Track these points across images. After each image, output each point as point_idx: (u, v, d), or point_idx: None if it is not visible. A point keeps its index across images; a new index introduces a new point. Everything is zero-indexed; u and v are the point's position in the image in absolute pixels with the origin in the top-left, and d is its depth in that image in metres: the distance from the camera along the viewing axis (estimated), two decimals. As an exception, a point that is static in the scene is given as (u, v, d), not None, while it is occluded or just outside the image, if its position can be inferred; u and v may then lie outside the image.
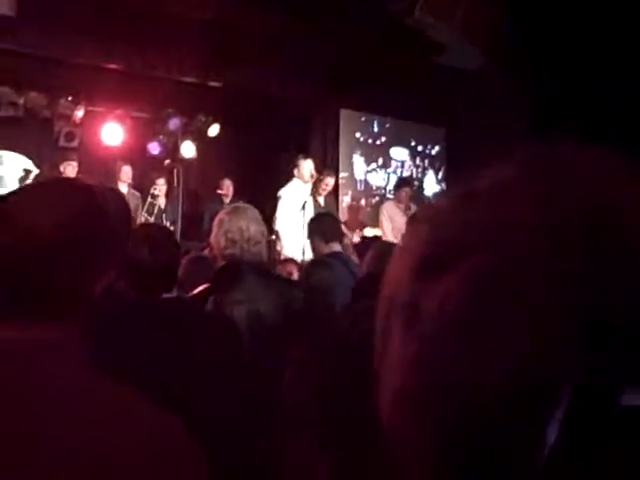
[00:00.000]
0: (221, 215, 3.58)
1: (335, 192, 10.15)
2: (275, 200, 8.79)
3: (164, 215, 9.87)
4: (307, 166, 8.87)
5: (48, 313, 1.18)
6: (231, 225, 3.44)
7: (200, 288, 3.61)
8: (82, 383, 1.17)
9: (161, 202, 9.93)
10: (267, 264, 3.78)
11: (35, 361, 1.14)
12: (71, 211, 1.26)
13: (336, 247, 4.84)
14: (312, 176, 8.88)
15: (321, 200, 9.17)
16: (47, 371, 1.14)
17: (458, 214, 0.59)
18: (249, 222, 3.48)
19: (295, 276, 5.33)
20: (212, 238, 3.52)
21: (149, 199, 9.78)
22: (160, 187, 9.95)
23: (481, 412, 0.51)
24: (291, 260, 6.32)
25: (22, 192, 1.38)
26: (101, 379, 1.20)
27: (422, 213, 0.64)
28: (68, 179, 1.92)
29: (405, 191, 9.55)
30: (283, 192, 8.76)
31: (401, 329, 0.57)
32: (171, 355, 1.87)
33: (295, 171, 8.88)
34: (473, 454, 0.52)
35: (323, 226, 4.98)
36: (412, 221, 0.64)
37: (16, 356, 1.15)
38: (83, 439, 1.08)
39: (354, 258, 5.55)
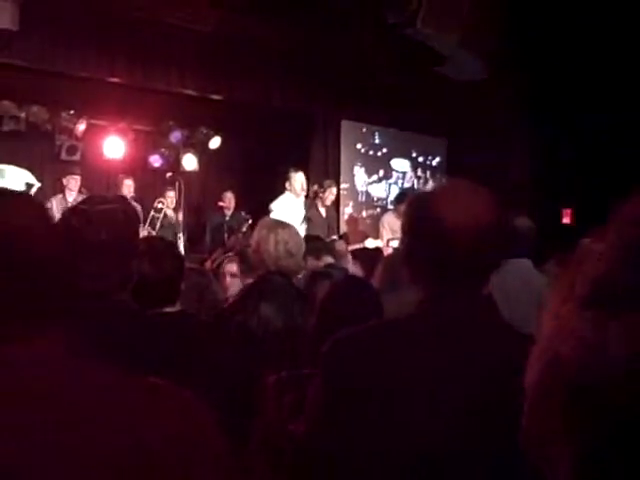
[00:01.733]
0: (273, 223, 3.58)
1: (336, 203, 10.16)
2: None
3: (175, 226, 9.82)
4: (299, 179, 8.90)
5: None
6: (290, 238, 3.43)
7: (231, 301, 3.63)
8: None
9: (169, 213, 9.86)
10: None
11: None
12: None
13: (329, 260, 4.99)
14: (303, 189, 8.93)
15: (323, 211, 9.16)
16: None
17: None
18: (298, 239, 3.52)
19: None
20: (262, 245, 3.44)
21: (152, 212, 9.75)
22: (171, 199, 9.87)
23: None
24: None
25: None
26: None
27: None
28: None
29: (406, 204, 9.54)
30: (274, 205, 8.75)
31: None
32: (173, 368, 1.86)
33: (287, 184, 8.88)
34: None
35: (309, 245, 5.04)
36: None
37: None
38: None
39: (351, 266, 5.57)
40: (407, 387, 1.45)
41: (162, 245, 2.72)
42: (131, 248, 1.88)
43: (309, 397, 1.60)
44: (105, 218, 1.83)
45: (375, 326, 1.64)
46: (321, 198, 9.26)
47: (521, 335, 1.54)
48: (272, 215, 8.61)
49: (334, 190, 9.28)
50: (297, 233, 3.63)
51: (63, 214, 1.90)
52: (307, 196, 9.52)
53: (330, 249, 5.35)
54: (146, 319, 2.15)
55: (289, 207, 8.70)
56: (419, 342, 1.48)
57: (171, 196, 9.91)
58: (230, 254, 6.17)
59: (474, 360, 1.45)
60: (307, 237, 5.76)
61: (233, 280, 4.75)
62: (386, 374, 1.46)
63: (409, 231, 1.59)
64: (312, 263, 4.90)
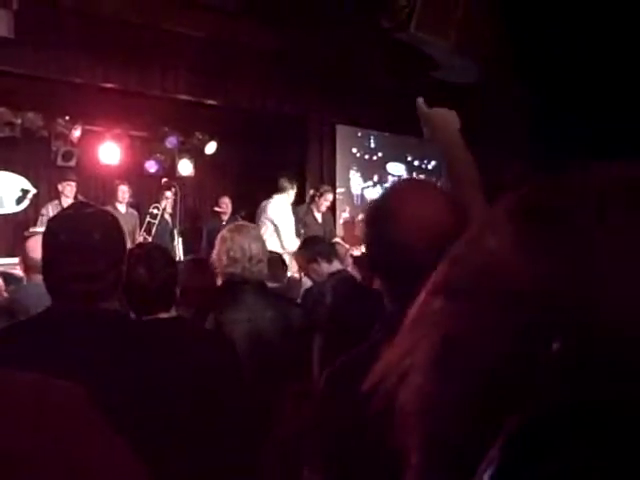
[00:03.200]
0: (223, 233, 3.57)
1: (332, 208, 10.17)
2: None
3: (174, 230, 9.83)
4: (289, 187, 8.94)
5: None
6: (233, 243, 3.42)
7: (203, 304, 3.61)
8: None
9: (166, 217, 9.87)
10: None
11: None
12: None
13: (338, 265, 4.93)
14: (295, 193, 8.99)
15: (319, 217, 9.17)
16: None
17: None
18: (251, 241, 3.47)
19: None
20: (214, 256, 3.50)
21: (148, 218, 9.76)
22: (168, 202, 9.88)
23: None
24: None
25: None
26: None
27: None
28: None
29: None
30: (270, 206, 8.80)
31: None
32: (167, 374, 1.87)
33: (287, 184, 8.91)
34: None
35: (320, 248, 5.03)
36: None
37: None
38: None
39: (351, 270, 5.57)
40: None
41: (156, 251, 2.72)
42: (122, 249, 1.89)
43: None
44: (95, 220, 1.85)
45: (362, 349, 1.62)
46: (316, 203, 9.27)
47: None
48: (271, 216, 8.63)
49: (329, 196, 9.29)
50: (257, 236, 3.59)
51: (51, 219, 1.91)
52: (302, 201, 9.54)
53: (336, 253, 5.32)
54: (136, 325, 2.15)
55: (279, 210, 8.72)
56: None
57: (168, 197, 9.90)
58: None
59: None
60: (314, 239, 5.74)
61: None
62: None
63: (366, 238, 1.57)
64: (325, 267, 4.87)
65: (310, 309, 4.17)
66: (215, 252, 3.50)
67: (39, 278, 3.14)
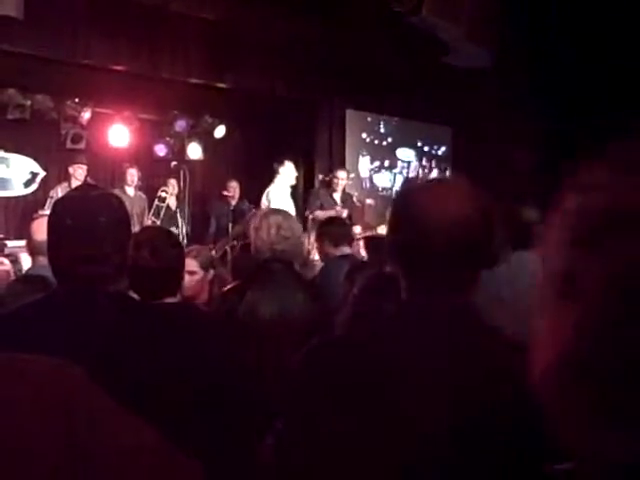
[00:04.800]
0: (266, 210, 3.57)
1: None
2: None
3: (178, 215, 9.84)
4: (290, 168, 8.94)
5: None
6: (283, 222, 3.41)
7: (231, 285, 3.60)
8: None
9: (171, 203, 9.88)
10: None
11: None
12: None
13: (346, 250, 4.86)
14: (294, 177, 9.00)
15: (337, 197, 9.12)
16: None
17: (610, 186, 0.67)
18: (292, 222, 3.49)
19: None
20: (257, 231, 3.43)
21: (156, 202, 9.77)
22: (172, 187, 9.91)
23: None
24: None
25: None
26: None
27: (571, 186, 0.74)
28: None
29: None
30: (271, 190, 8.82)
31: (557, 299, 0.66)
32: (172, 360, 1.86)
33: (281, 169, 8.90)
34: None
35: (333, 230, 4.99)
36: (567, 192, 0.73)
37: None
38: None
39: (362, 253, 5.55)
40: (394, 386, 1.43)
41: (162, 235, 2.69)
42: (127, 232, 1.88)
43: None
44: (101, 203, 1.84)
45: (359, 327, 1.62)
46: (332, 185, 9.23)
47: (506, 341, 1.54)
48: (270, 200, 8.66)
49: (340, 174, 9.23)
50: (291, 217, 3.59)
51: (57, 201, 1.90)
52: (312, 186, 9.52)
53: (352, 241, 5.27)
54: (141, 308, 2.13)
55: (282, 194, 8.74)
56: (405, 340, 1.46)
57: (173, 184, 9.92)
58: (235, 243, 6.16)
59: (457, 364, 1.43)
60: (333, 219, 5.70)
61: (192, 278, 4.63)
62: (371, 373, 1.44)
63: (393, 226, 1.58)
64: (328, 248, 4.85)
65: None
66: (258, 228, 3.43)
67: (43, 260, 3.16)
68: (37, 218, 3.71)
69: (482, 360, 1.45)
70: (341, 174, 9.22)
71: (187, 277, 4.56)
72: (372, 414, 1.41)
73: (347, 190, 9.85)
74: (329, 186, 9.23)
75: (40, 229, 3.21)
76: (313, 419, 1.46)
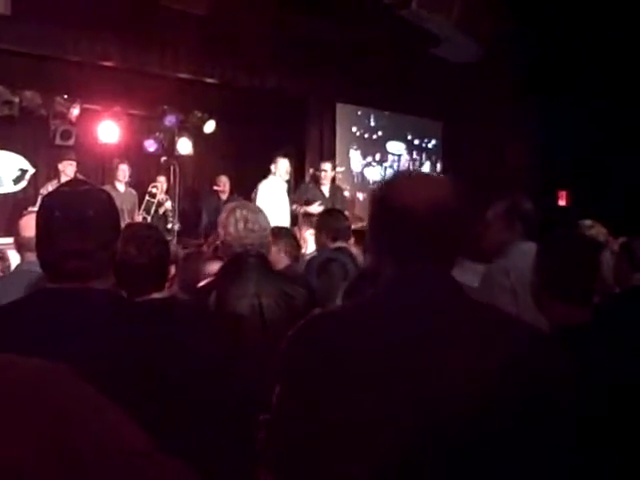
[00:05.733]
0: (232, 205, 3.53)
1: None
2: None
3: (170, 212, 9.84)
4: (283, 164, 8.90)
5: None
6: (249, 215, 3.39)
7: (205, 281, 3.58)
8: None
9: (162, 198, 9.87)
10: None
11: None
12: None
13: (342, 244, 4.86)
14: (287, 173, 8.95)
15: (325, 190, 9.11)
16: None
17: None
18: (259, 215, 3.46)
19: None
20: (225, 227, 3.42)
21: (147, 197, 9.75)
22: (161, 184, 9.92)
23: None
24: None
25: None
26: None
27: None
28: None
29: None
30: (261, 186, 8.79)
31: None
32: (160, 354, 1.86)
33: (272, 167, 8.86)
34: None
35: (332, 223, 4.97)
36: None
37: None
38: None
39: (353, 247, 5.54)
40: (378, 368, 1.46)
41: (147, 231, 2.69)
42: (116, 227, 1.87)
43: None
44: (90, 196, 1.83)
45: (343, 308, 1.65)
46: (319, 178, 9.22)
47: (492, 311, 1.61)
48: (258, 194, 8.65)
49: (325, 166, 9.20)
50: (258, 210, 3.57)
51: (46, 196, 1.89)
52: (303, 180, 9.50)
53: (349, 236, 5.24)
54: (128, 305, 2.12)
55: (274, 189, 8.72)
56: (387, 323, 1.50)
57: (162, 180, 9.91)
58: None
59: (445, 340, 1.47)
60: (333, 212, 5.65)
61: None
62: (355, 356, 1.46)
63: (372, 217, 1.64)
64: (325, 241, 4.85)
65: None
66: (225, 224, 3.42)
67: (31, 256, 3.14)
68: (25, 215, 3.69)
69: (466, 324, 1.51)
70: (326, 166, 9.20)
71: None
72: (367, 384, 1.44)
73: (337, 183, 9.85)
74: (318, 180, 9.23)
75: (28, 225, 3.19)
76: (308, 389, 1.48)
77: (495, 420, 1.41)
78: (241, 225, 3.35)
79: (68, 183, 2.08)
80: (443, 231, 1.53)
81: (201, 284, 3.54)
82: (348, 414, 1.43)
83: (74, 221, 1.73)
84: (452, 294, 1.55)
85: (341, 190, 9.50)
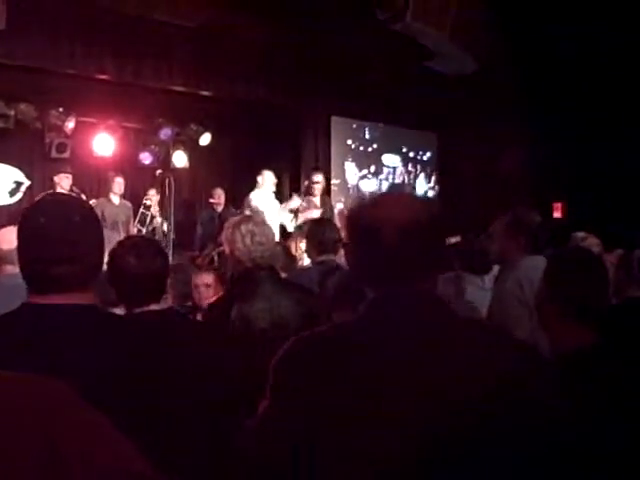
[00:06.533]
0: (236, 220, 3.53)
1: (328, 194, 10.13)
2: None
3: (164, 224, 9.80)
4: (269, 177, 8.89)
5: None
6: (255, 228, 3.39)
7: (215, 297, 3.58)
8: None
9: (154, 211, 9.84)
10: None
11: None
12: None
13: (330, 257, 4.73)
14: (273, 186, 8.95)
15: (317, 200, 9.09)
16: None
17: None
18: (265, 228, 3.47)
19: None
20: (233, 243, 3.41)
21: (141, 209, 9.74)
22: (151, 197, 9.90)
23: None
24: None
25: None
26: None
27: None
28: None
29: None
30: (252, 196, 8.79)
31: None
32: (156, 368, 1.85)
33: (259, 179, 8.85)
34: None
35: (318, 235, 4.86)
36: None
37: None
38: None
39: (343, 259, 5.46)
40: (368, 389, 1.46)
41: (147, 242, 2.72)
42: (99, 235, 1.86)
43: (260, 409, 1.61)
44: (73, 204, 1.83)
45: (326, 331, 1.67)
46: (310, 189, 9.19)
47: (477, 326, 1.62)
48: (246, 211, 8.63)
49: (315, 178, 9.16)
50: (263, 223, 3.57)
51: (28, 206, 1.87)
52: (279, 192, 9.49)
53: (338, 249, 5.14)
54: (114, 321, 2.09)
55: (262, 202, 8.70)
56: (371, 344, 1.51)
57: (151, 194, 9.84)
58: (222, 249, 6.14)
59: (428, 355, 1.48)
60: (324, 223, 5.46)
61: (208, 290, 4.69)
62: (339, 382, 1.48)
63: (348, 239, 1.67)
64: (312, 253, 4.75)
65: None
66: (231, 238, 3.41)
67: (10, 269, 3.12)
68: (2, 229, 3.64)
69: (451, 339, 1.51)
70: (316, 177, 9.16)
71: (203, 290, 4.65)
72: (354, 404, 1.44)
73: (333, 196, 9.85)
74: (310, 191, 9.20)
75: (6, 239, 3.17)
76: (294, 407, 1.49)
77: (481, 438, 1.41)
78: (248, 240, 3.35)
79: (50, 193, 2.08)
80: (413, 250, 1.53)
81: (211, 301, 3.53)
82: (336, 433, 1.43)
83: (61, 226, 1.71)
84: (432, 312, 1.55)
85: (330, 201, 9.49)
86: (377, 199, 1.71)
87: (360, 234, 1.61)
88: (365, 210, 1.63)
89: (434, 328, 1.52)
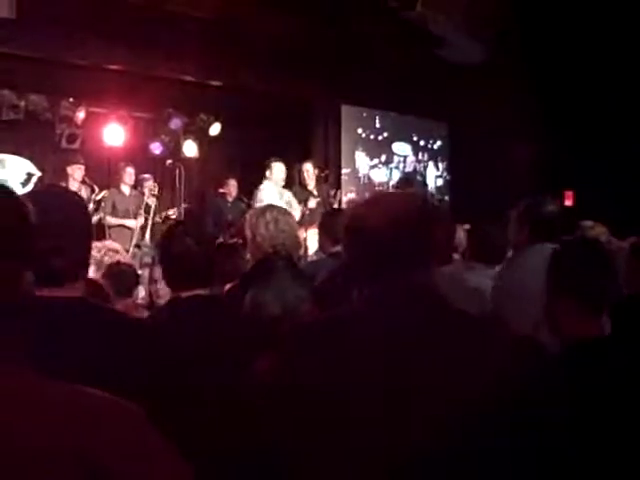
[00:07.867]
0: (262, 208, 3.61)
1: (337, 188, 10.12)
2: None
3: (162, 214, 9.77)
4: (279, 169, 8.79)
5: None
6: (279, 216, 3.47)
7: (231, 284, 3.61)
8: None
9: (150, 202, 9.75)
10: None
11: None
12: None
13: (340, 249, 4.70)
14: (283, 177, 8.87)
15: (314, 191, 9.06)
16: None
17: None
18: (289, 217, 3.55)
19: None
20: (256, 228, 3.47)
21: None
22: (151, 188, 9.80)
23: None
24: None
25: None
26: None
27: None
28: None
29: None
30: (262, 187, 8.75)
31: None
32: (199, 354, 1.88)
33: (267, 172, 8.75)
34: None
35: (335, 226, 4.80)
36: None
37: None
38: None
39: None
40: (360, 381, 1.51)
41: (200, 229, 2.80)
42: (88, 228, 1.86)
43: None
44: (63, 197, 1.84)
45: (325, 320, 1.71)
46: (303, 180, 9.15)
47: (470, 319, 1.66)
48: (260, 199, 8.59)
49: (306, 167, 9.11)
50: (287, 212, 3.65)
51: (17, 199, 1.87)
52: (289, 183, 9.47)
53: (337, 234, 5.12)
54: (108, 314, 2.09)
55: (270, 193, 8.66)
56: (366, 336, 1.57)
57: (149, 185, 9.76)
58: (234, 240, 6.13)
59: (422, 345, 1.52)
60: (338, 213, 5.41)
61: None
62: (337, 369, 1.53)
63: (344, 239, 1.76)
64: (325, 244, 4.72)
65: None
66: (253, 225, 3.47)
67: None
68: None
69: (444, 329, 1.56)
70: (306, 166, 9.13)
71: None
72: (353, 386, 1.50)
73: (344, 186, 9.83)
74: (301, 181, 9.15)
75: None
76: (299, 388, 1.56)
77: (478, 433, 1.43)
78: (272, 226, 3.44)
79: (40, 188, 2.11)
80: (403, 243, 1.60)
81: (228, 287, 3.58)
82: (332, 428, 1.48)
83: (50, 219, 1.71)
84: (426, 306, 1.60)
85: (327, 189, 9.45)
86: (366, 200, 1.83)
87: (351, 233, 1.69)
88: (355, 210, 1.74)
89: (427, 322, 1.56)
